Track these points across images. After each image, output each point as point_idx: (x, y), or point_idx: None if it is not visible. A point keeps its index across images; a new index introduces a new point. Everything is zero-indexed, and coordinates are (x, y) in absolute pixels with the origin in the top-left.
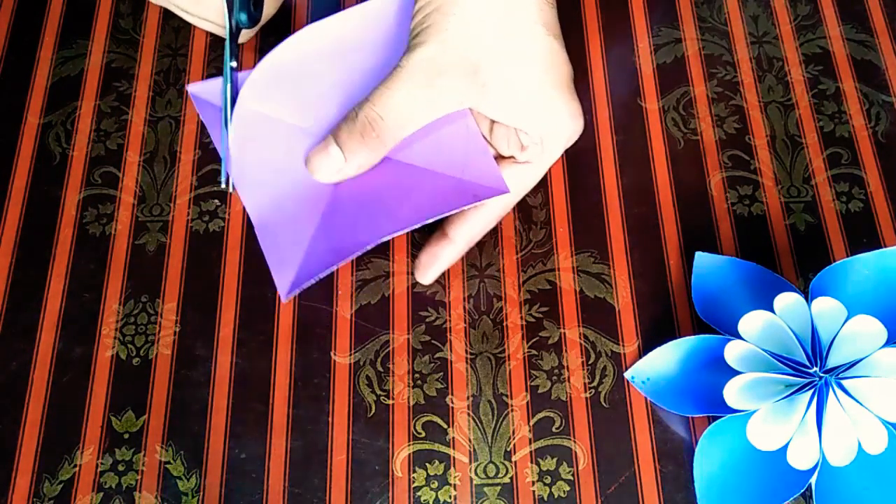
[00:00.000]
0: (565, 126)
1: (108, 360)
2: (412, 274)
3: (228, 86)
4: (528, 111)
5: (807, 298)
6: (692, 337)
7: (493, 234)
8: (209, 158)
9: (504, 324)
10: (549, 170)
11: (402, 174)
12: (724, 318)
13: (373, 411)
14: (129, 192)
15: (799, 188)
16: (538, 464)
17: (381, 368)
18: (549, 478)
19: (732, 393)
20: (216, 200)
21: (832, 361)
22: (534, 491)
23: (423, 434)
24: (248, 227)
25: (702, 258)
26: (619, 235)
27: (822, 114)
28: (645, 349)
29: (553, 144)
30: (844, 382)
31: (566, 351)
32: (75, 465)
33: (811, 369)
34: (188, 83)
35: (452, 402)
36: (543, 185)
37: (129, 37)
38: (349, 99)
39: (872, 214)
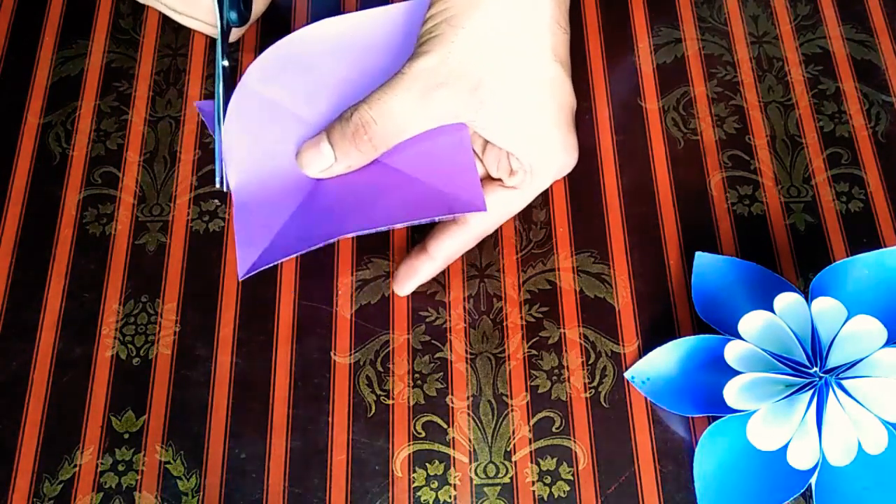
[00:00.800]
0: (558, 159)
1: (108, 360)
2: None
3: (221, 84)
4: (523, 138)
5: (807, 298)
6: (692, 337)
7: (493, 234)
8: (209, 158)
9: (504, 324)
10: None
11: (386, 176)
12: (724, 318)
13: (373, 411)
14: (129, 192)
15: (799, 188)
16: (538, 464)
17: (381, 368)
18: (549, 478)
19: (732, 393)
20: (216, 200)
21: (832, 361)
22: (534, 491)
23: (423, 434)
24: None
25: (702, 258)
26: (619, 235)
27: (822, 114)
28: (645, 349)
29: (543, 175)
30: (844, 382)
31: (566, 351)
32: (75, 465)
33: (811, 369)
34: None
35: (452, 402)
36: None
37: (129, 37)
38: (351, 98)
39: (872, 214)
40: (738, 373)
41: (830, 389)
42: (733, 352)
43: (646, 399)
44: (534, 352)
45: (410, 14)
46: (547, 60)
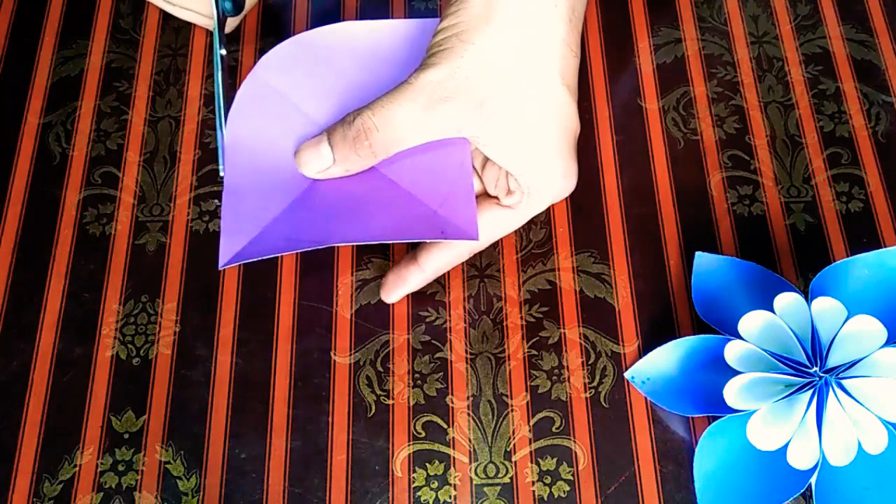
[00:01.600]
0: (557, 184)
1: (108, 360)
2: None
3: (220, 73)
4: (524, 159)
5: (807, 298)
6: (692, 337)
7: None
8: (209, 158)
9: (504, 324)
10: None
11: (383, 188)
12: (724, 318)
13: (373, 411)
14: (129, 192)
15: (799, 188)
16: (538, 464)
17: (381, 368)
18: (549, 478)
19: (732, 393)
20: (216, 200)
21: (832, 361)
22: (534, 491)
23: (423, 434)
24: None
25: (702, 258)
26: (619, 235)
27: (822, 114)
28: (645, 349)
29: (540, 198)
30: (844, 382)
31: (566, 351)
32: (75, 465)
33: (811, 369)
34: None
35: (452, 402)
36: None
37: (129, 37)
38: (360, 102)
39: (872, 214)
40: (738, 373)
41: (830, 389)
42: (733, 352)
43: (646, 399)
44: (534, 352)
45: (429, 31)
46: (555, 84)
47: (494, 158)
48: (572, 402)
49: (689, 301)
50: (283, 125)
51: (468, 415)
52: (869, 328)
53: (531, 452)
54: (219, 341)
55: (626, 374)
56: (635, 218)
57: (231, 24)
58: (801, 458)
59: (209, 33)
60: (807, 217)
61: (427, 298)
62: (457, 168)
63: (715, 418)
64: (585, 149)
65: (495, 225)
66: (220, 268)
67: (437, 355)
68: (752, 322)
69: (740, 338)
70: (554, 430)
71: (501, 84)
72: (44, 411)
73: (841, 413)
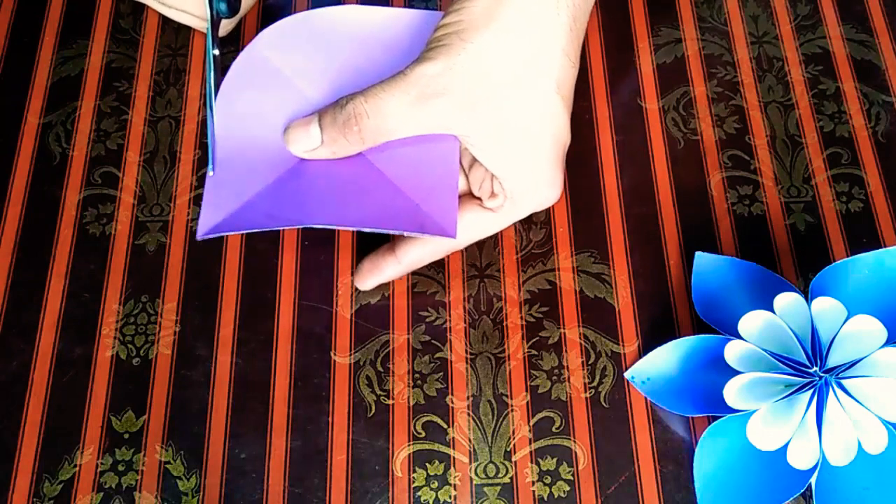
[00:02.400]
0: (541, 193)
1: (108, 360)
2: (353, 277)
3: (212, 74)
4: (511, 165)
5: (807, 298)
6: (692, 337)
7: (494, 235)
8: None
9: (504, 324)
10: None
11: (369, 175)
12: (724, 318)
13: (373, 411)
14: (129, 192)
15: (799, 188)
16: (538, 464)
17: (381, 368)
18: (549, 478)
19: (732, 393)
20: None
21: (832, 361)
22: (534, 491)
23: (423, 434)
24: None
25: (702, 258)
26: (619, 235)
27: (822, 114)
28: (645, 349)
29: (523, 205)
30: (844, 382)
31: (566, 351)
32: (75, 465)
33: (811, 369)
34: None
35: (452, 402)
36: None
37: (129, 37)
38: (355, 87)
39: (872, 214)
40: (738, 373)
41: (830, 389)
42: (733, 352)
43: (646, 399)
44: (534, 352)
45: (432, 23)
46: (549, 92)
47: (482, 160)
48: (572, 402)
49: (689, 301)
50: (276, 99)
51: (468, 415)
52: (869, 328)
53: (531, 452)
54: (219, 341)
55: (626, 374)
56: (635, 218)
57: (226, 26)
58: (801, 458)
59: None
60: (807, 217)
61: (427, 298)
62: (444, 165)
63: (715, 418)
64: (585, 149)
65: (475, 226)
66: (199, 238)
67: (437, 355)
68: (752, 322)
69: (740, 338)
70: (554, 430)
71: (495, 87)
72: (44, 411)
73: (841, 413)
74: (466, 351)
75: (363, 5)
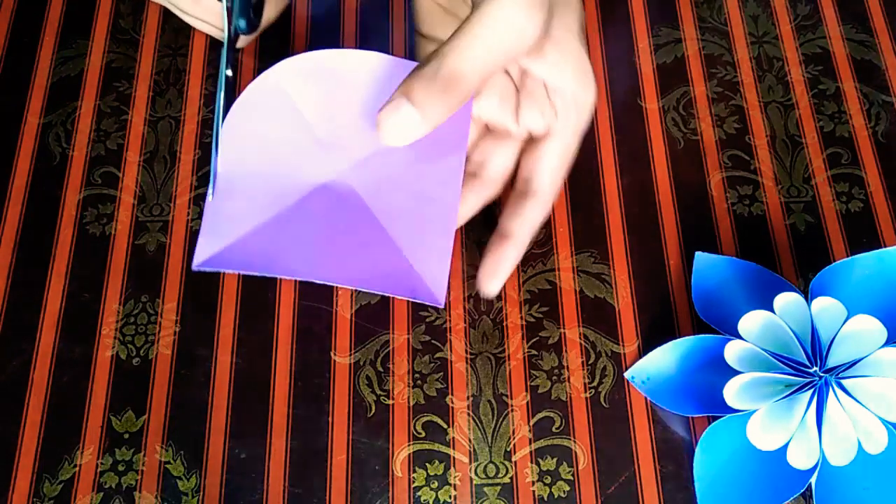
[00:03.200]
0: (593, 87)
1: (108, 360)
2: (477, 289)
3: (222, 94)
4: (571, 66)
5: (807, 298)
6: (692, 337)
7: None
8: (209, 158)
9: (504, 324)
10: None
11: (368, 226)
12: (723, 318)
13: (373, 411)
14: (129, 192)
15: (799, 188)
16: (538, 464)
17: (381, 368)
18: (549, 478)
19: (732, 393)
20: None
21: (832, 361)
22: (534, 491)
23: (423, 434)
24: None
25: (702, 258)
26: (619, 235)
27: (822, 114)
28: (645, 349)
29: (584, 106)
30: (844, 382)
31: (566, 351)
32: (75, 465)
33: (811, 369)
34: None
35: (452, 402)
36: None
37: (129, 37)
38: (360, 130)
39: (872, 214)
40: (738, 373)
41: (830, 389)
42: (733, 352)
43: (646, 399)
44: (534, 352)
45: None
46: None
47: (549, 72)
48: (572, 402)
49: (689, 301)
50: (284, 131)
51: (468, 415)
52: (869, 328)
53: (531, 452)
54: (219, 341)
55: (626, 374)
56: (635, 218)
57: (244, 40)
58: (801, 458)
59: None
60: (807, 217)
61: None
62: (442, 222)
63: (715, 418)
64: (585, 149)
65: (556, 158)
66: (194, 269)
67: (437, 355)
68: (752, 322)
69: (740, 338)
70: (554, 430)
71: None
72: (44, 411)
73: (841, 413)
74: (466, 351)
75: (385, 54)
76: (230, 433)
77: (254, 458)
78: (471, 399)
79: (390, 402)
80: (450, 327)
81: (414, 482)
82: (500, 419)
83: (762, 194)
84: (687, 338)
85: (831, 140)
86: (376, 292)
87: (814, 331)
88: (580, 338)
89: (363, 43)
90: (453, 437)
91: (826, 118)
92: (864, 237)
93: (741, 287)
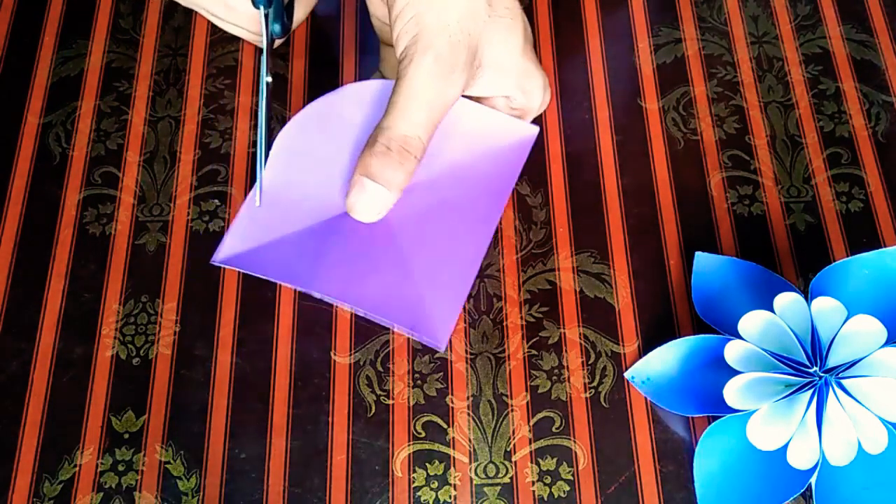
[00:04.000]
0: (538, 91)
1: (108, 360)
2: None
3: (264, 101)
4: (512, 81)
5: (807, 298)
6: (692, 337)
7: (493, 234)
8: (209, 158)
9: (504, 324)
10: (549, 169)
11: (388, 256)
12: (724, 318)
13: (373, 411)
14: (129, 192)
15: (799, 188)
16: (538, 464)
17: (381, 368)
18: (549, 478)
19: (732, 393)
20: (216, 200)
21: (832, 361)
22: (534, 491)
23: (423, 434)
24: None
25: (702, 258)
26: (619, 235)
27: (822, 114)
28: (645, 349)
29: (534, 107)
30: (844, 382)
31: (566, 351)
32: (75, 465)
33: (811, 369)
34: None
35: (452, 402)
36: (543, 185)
37: (129, 37)
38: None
39: (872, 214)
40: (738, 373)
41: (830, 389)
42: (733, 352)
43: (646, 399)
44: (534, 352)
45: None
46: (516, 8)
47: (491, 93)
48: (572, 402)
49: (689, 301)
50: (337, 150)
51: (468, 415)
52: (869, 328)
53: (531, 452)
54: (219, 341)
55: (626, 374)
56: (635, 218)
57: (275, 44)
58: (801, 458)
59: (209, 33)
60: (807, 217)
61: None
62: (463, 270)
63: (715, 418)
64: (585, 149)
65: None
66: (213, 262)
67: (437, 355)
68: (752, 322)
69: (740, 338)
70: (554, 430)
71: (483, 31)
72: (44, 411)
73: (841, 413)
74: (466, 351)
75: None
76: (230, 433)
77: (254, 458)
78: (471, 399)
79: (390, 402)
80: None
81: (414, 482)
82: (500, 419)
83: (762, 194)
84: (687, 338)
85: (831, 140)
86: (379, 319)
87: (814, 331)
88: (580, 338)
89: None
90: (453, 437)
91: (826, 118)
92: (864, 237)
93: (741, 287)
